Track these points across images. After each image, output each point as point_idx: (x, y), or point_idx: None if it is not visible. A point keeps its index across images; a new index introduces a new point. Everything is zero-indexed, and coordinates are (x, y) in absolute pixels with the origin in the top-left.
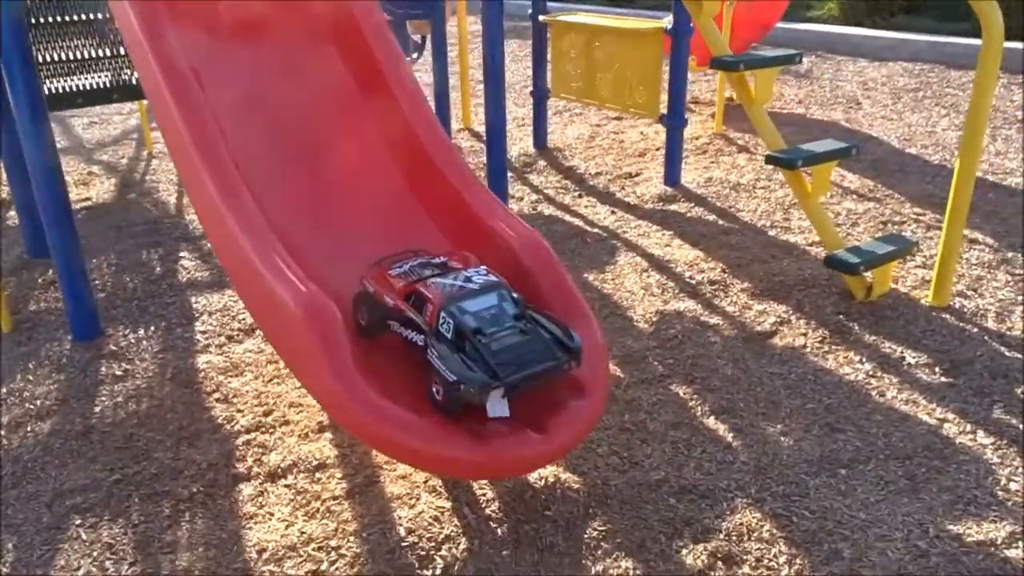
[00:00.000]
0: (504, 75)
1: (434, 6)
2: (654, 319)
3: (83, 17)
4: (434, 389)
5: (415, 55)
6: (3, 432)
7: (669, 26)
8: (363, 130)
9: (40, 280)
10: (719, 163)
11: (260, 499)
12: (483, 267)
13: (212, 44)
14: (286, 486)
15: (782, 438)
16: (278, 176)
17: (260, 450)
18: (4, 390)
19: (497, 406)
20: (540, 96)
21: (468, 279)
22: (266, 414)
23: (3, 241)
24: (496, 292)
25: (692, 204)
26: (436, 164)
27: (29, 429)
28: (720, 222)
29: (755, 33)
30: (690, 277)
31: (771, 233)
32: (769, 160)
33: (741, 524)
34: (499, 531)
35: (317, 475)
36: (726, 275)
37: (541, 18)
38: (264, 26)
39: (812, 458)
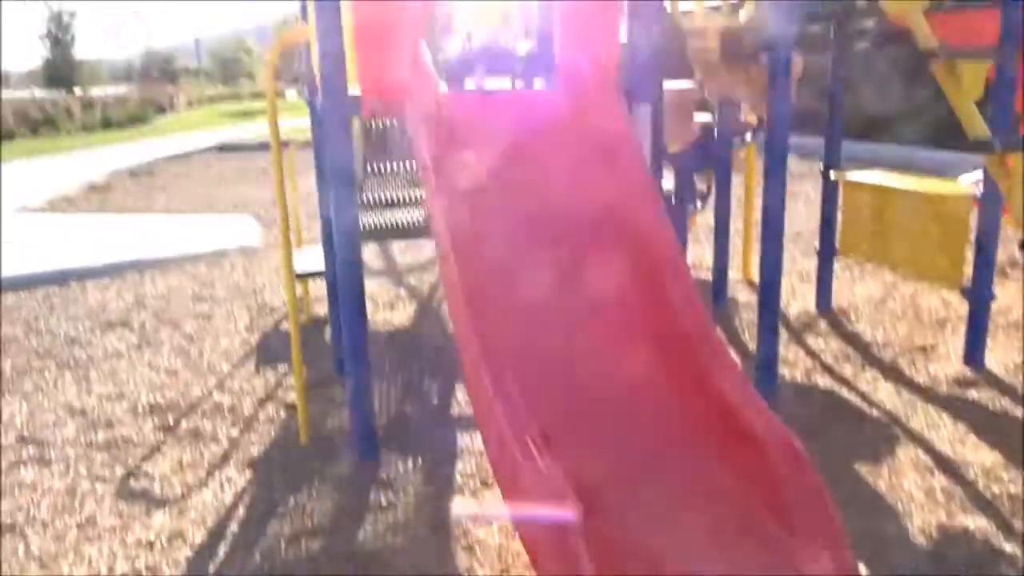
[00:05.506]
0: (783, 227)
1: (721, 158)
2: (934, 535)
3: (404, 166)
4: None
5: (700, 204)
6: (283, 543)
7: (979, 192)
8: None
9: (339, 400)
10: None
11: None
12: None
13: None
14: None
15: None
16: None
17: None
18: (292, 503)
19: None
20: (827, 254)
21: None
22: (503, 571)
23: (319, 355)
24: None
25: (996, 393)
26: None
27: (303, 545)
28: None
29: None
30: (985, 487)
31: None
32: None
33: None
34: None
35: None
36: None
37: (832, 175)
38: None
39: None
